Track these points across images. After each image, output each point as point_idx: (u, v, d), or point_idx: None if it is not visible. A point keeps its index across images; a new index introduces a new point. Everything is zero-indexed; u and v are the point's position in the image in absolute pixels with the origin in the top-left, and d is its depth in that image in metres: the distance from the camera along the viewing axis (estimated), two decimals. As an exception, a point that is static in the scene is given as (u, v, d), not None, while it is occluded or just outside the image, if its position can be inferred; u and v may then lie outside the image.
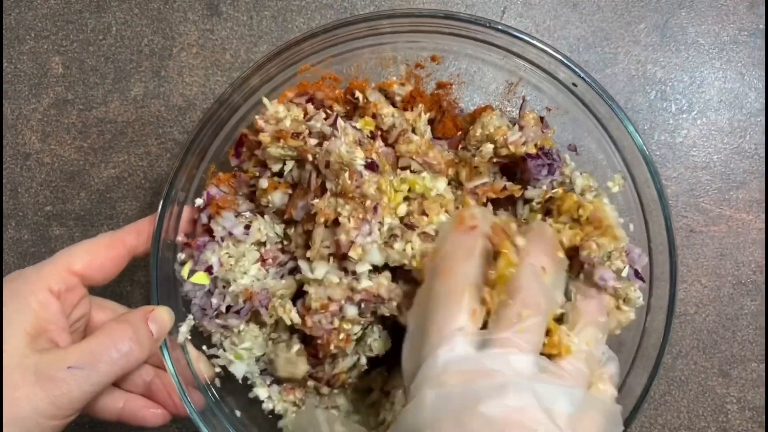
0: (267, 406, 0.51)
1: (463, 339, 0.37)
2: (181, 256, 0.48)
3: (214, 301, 0.47)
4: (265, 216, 0.49)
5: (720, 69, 0.61)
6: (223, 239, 0.47)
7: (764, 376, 0.61)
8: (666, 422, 0.62)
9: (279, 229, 0.49)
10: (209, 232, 0.48)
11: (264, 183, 0.47)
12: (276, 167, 0.48)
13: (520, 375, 0.36)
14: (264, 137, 0.46)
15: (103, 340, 0.41)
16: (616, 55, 0.61)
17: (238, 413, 0.51)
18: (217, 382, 0.50)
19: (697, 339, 0.61)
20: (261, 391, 0.51)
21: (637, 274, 0.45)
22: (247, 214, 0.48)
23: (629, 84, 0.61)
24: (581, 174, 0.48)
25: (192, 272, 0.48)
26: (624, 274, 0.45)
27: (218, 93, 0.61)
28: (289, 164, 0.47)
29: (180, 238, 0.49)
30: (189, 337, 0.49)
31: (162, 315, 0.46)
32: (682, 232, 0.61)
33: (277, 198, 0.48)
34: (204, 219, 0.48)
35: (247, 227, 0.47)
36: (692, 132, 0.61)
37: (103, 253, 0.45)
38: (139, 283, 0.61)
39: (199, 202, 0.49)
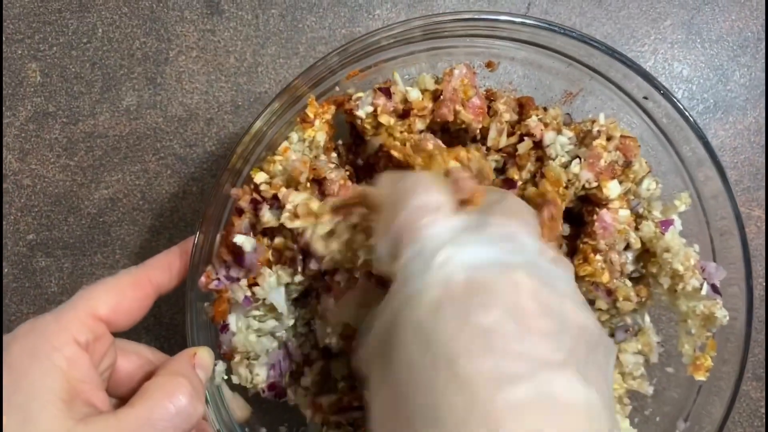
0: None
1: (447, 216, 0.34)
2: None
3: None
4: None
5: (745, 66, 0.60)
6: None
7: (795, 377, 0.60)
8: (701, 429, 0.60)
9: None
10: None
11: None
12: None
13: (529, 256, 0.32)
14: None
15: (159, 400, 0.35)
16: (644, 53, 0.59)
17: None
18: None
19: (731, 344, 0.60)
20: None
21: (715, 289, 0.43)
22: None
23: (657, 83, 0.59)
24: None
25: None
26: (703, 291, 0.43)
27: (222, 101, 0.55)
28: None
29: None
30: (225, 377, 0.43)
31: (206, 358, 0.40)
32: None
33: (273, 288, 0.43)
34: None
35: None
36: (719, 132, 0.60)
37: (129, 293, 0.39)
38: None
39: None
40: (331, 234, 0.40)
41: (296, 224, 0.39)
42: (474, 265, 0.31)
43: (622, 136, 0.44)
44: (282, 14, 0.55)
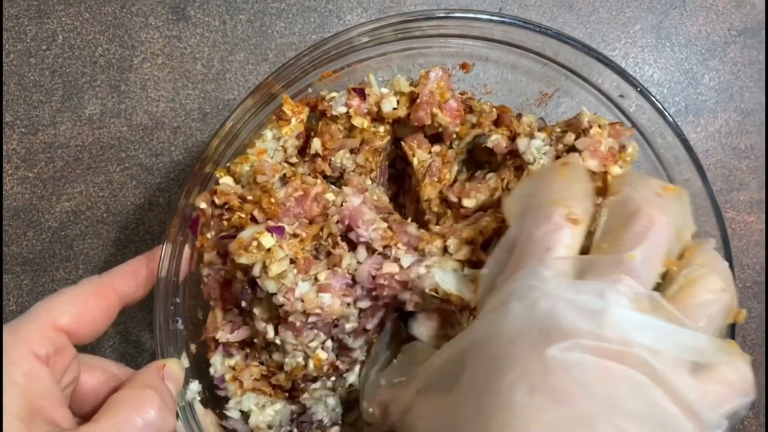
0: None
1: (561, 260, 0.32)
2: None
3: None
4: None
5: (714, 69, 0.60)
6: None
7: (773, 379, 0.60)
8: (684, 435, 0.59)
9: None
10: None
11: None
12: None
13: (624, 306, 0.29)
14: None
15: (126, 414, 0.33)
16: (615, 57, 0.59)
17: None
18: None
19: (710, 347, 0.59)
20: None
21: None
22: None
23: (629, 87, 0.59)
24: None
25: None
26: None
27: (189, 108, 0.53)
28: None
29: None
30: (199, 398, 0.41)
31: (175, 370, 0.38)
32: (688, 237, 0.59)
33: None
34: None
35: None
36: (691, 135, 0.60)
37: (92, 303, 0.37)
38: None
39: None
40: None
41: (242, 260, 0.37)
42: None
43: (610, 124, 0.43)
44: (250, 20, 0.54)
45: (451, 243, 0.39)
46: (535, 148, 0.44)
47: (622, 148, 0.42)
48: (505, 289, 0.32)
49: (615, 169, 0.41)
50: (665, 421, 0.28)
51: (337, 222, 0.38)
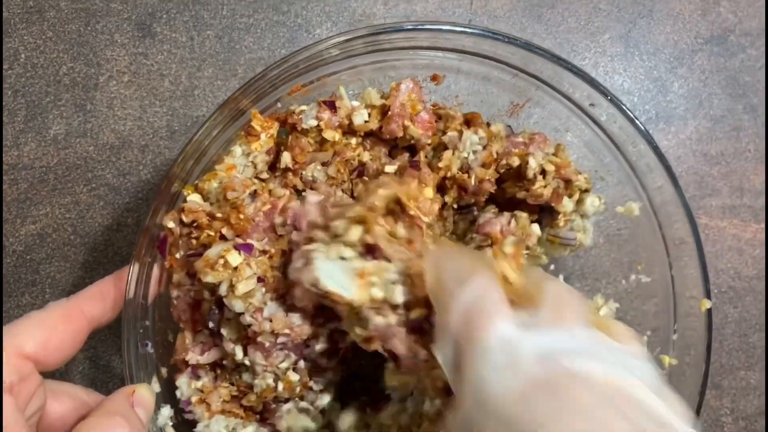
0: None
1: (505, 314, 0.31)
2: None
3: None
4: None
5: (682, 77, 0.61)
6: None
7: (752, 384, 0.60)
8: (665, 443, 0.59)
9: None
10: None
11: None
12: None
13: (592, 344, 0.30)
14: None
15: None
16: (585, 67, 0.59)
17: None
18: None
19: (688, 353, 0.59)
20: None
21: None
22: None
23: (600, 96, 0.59)
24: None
25: None
26: None
27: (157, 126, 0.52)
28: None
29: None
30: (171, 423, 0.40)
31: (146, 396, 0.37)
32: (663, 244, 0.60)
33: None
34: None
35: None
36: (662, 142, 0.60)
37: (60, 327, 0.36)
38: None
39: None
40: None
41: (209, 278, 0.36)
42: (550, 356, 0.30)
43: (555, 168, 0.43)
44: (218, 35, 0.53)
45: (339, 225, 0.36)
46: (470, 142, 0.44)
47: (568, 182, 0.42)
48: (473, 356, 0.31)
49: (566, 203, 0.41)
50: None
51: (285, 224, 0.37)
